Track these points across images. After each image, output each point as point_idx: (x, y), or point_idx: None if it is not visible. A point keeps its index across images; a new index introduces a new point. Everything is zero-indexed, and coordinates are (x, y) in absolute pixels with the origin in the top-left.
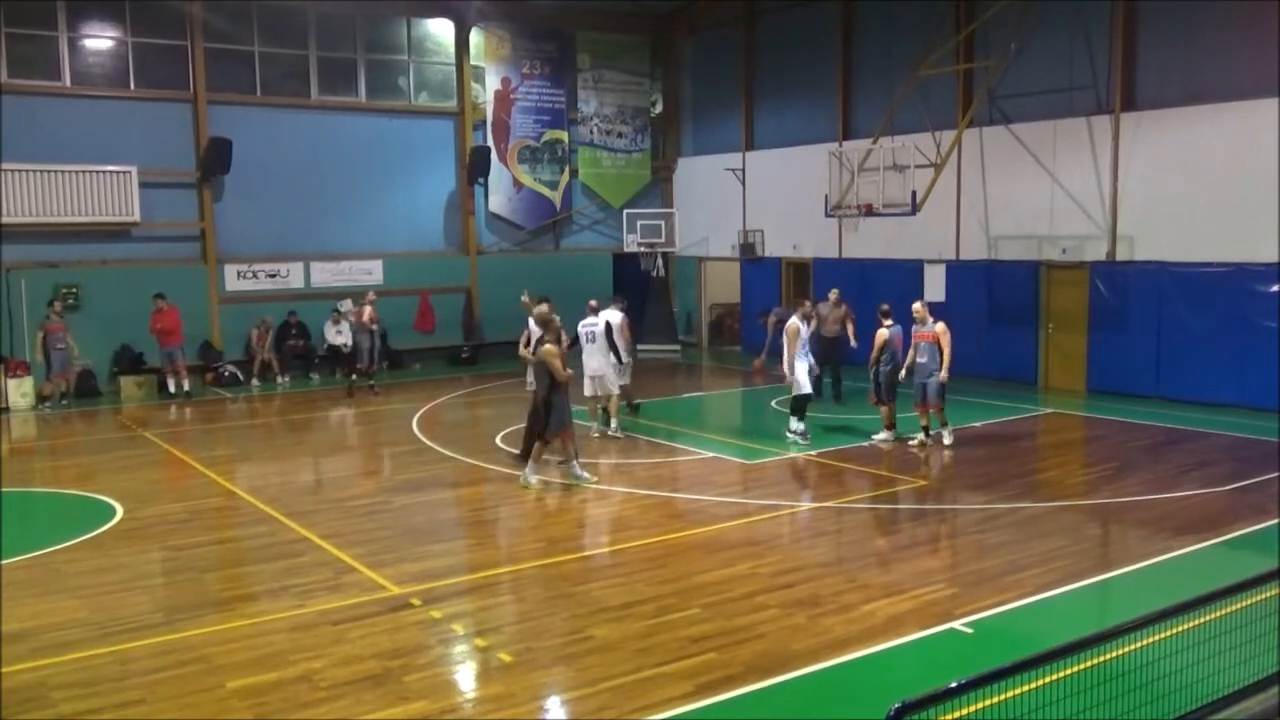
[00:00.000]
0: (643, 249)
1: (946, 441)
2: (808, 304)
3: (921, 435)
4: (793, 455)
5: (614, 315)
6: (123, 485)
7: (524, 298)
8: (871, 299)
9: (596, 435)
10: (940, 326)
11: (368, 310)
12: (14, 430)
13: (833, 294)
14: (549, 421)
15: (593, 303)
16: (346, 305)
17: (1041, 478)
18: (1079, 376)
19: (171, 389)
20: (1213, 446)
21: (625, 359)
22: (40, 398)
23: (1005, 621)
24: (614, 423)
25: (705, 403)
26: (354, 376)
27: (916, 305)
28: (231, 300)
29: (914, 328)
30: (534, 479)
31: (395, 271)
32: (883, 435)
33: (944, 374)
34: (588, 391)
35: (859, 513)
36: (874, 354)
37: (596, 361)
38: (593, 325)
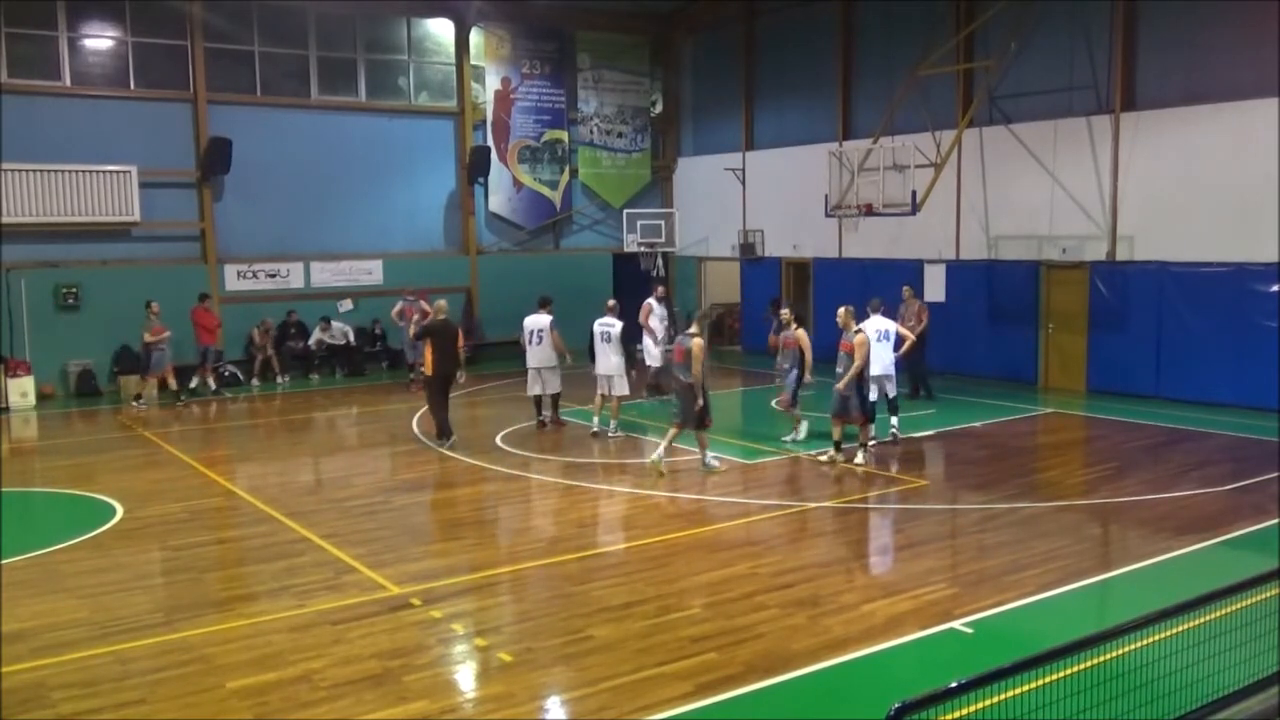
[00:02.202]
0: (643, 249)
1: (859, 460)
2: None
3: (832, 450)
4: (792, 455)
5: (658, 307)
6: (123, 485)
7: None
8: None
9: (595, 433)
10: (860, 338)
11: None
12: (14, 430)
13: (905, 290)
14: (706, 411)
15: (610, 303)
16: (346, 305)
17: (1041, 478)
18: (1079, 376)
19: (213, 385)
20: (1213, 446)
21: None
22: (136, 396)
23: (1005, 621)
24: (613, 424)
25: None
26: (413, 373)
27: (841, 311)
28: (231, 300)
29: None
30: (713, 461)
31: (395, 271)
32: (856, 453)
33: (840, 383)
34: (601, 389)
35: (859, 513)
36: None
37: (609, 361)
38: (609, 326)
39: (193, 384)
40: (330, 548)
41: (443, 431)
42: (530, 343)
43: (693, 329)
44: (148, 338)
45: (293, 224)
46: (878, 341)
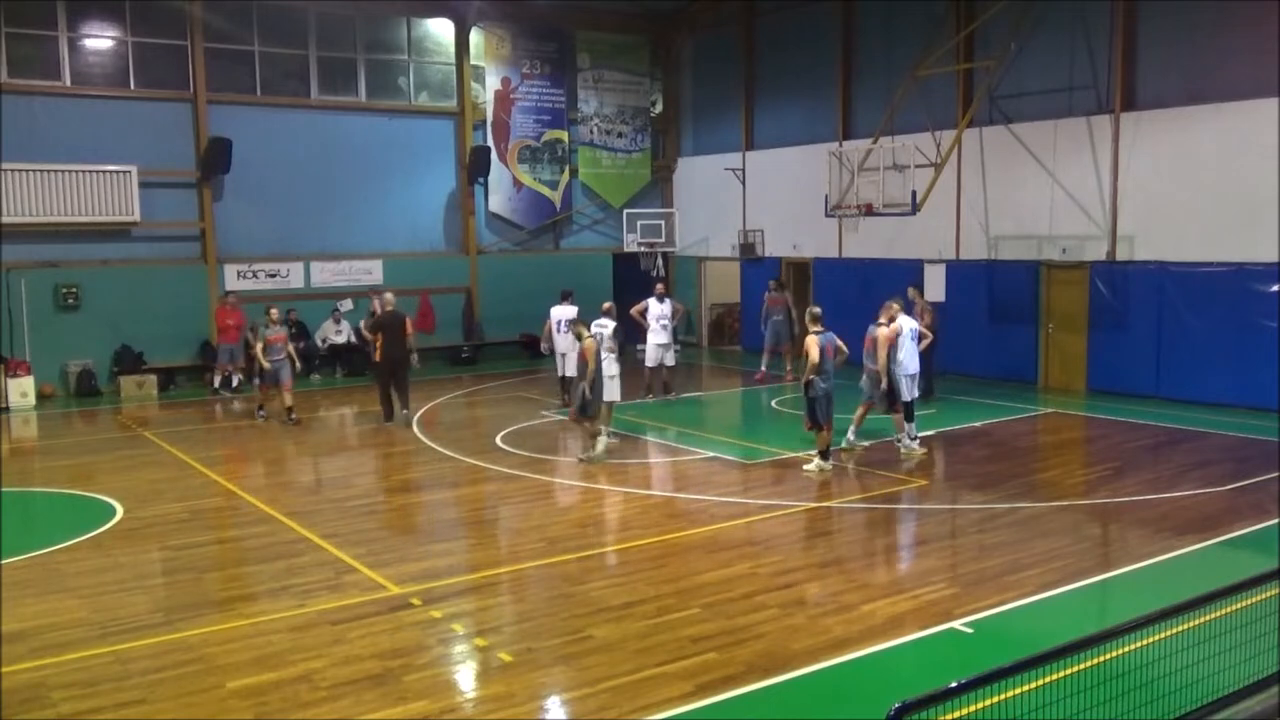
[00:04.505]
0: (643, 249)
1: (809, 467)
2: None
3: (818, 459)
4: (792, 455)
5: (668, 305)
6: (123, 485)
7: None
8: (871, 299)
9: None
10: (809, 340)
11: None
12: (14, 430)
13: (911, 291)
14: (895, 395)
15: (606, 305)
16: (346, 305)
17: (1041, 478)
18: (1079, 376)
19: (235, 384)
20: (1213, 446)
21: (676, 346)
22: (259, 406)
23: (1005, 621)
24: (605, 429)
25: (705, 403)
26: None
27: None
28: None
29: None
30: (912, 443)
31: (395, 271)
32: (814, 464)
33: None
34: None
35: (859, 513)
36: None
37: (604, 364)
38: (602, 327)
39: (235, 383)
40: (330, 548)
41: (387, 412)
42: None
43: (881, 319)
44: (259, 346)
45: (293, 224)
46: (912, 340)
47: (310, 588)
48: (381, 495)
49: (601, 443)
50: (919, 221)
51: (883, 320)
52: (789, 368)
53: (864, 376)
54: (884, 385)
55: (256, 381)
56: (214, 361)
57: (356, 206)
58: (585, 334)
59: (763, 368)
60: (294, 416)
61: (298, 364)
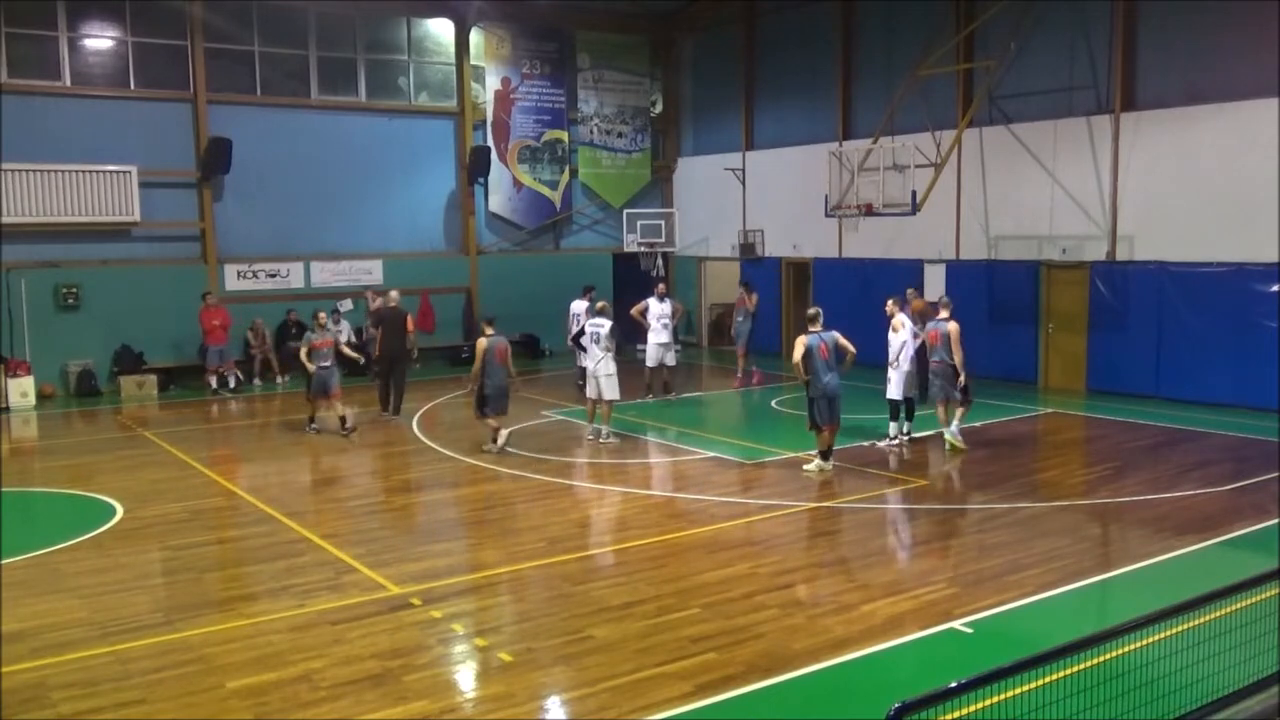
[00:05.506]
0: (643, 249)
1: (808, 467)
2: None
3: (819, 459)
4: (792, 455)
5: (669, 305)
6: (123, 485)
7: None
8: (871, 299)
9: (590, 438)
10: (798, 339)
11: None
12: (14, 430)
13: (909, 292)
14: (968, 389)
15: (600, 304)
16: (346, 305)
17: (1041, 478)
18: (1079, 376)
19: (232, 385)
20: (1213, 446)
21: (677, 346)
22: (309, 419)
23: (1005, 621)
24: (605, 429)
25: (705, 403)
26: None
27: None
28: (232, 300)
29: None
30: (957, 433)
31: (395, 271)
32: (814, 464)
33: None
34: (590, 393)
35: (859, 513)
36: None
37: (598, 364)
38: (598, 326)
39: (233, 383)
40: (330, 548)
41: (384, 404)
42: (594, 343)
43: (943, 314)
44: (304, 352)
45: (293, 224)
46: (911, 339)
47: (310, 588)
48: (381, 495)
49: (503, 435)
50: (919, 221)
51: (944, 315)
52: (741, 368)
53: (933, 376)
54: (962, 380)
55: (305, 392)
56: (209, 364)
57: (356, 206)
58: (488, 331)
59: (739, 372)
60: (349, 426)
61: (359, 358)
